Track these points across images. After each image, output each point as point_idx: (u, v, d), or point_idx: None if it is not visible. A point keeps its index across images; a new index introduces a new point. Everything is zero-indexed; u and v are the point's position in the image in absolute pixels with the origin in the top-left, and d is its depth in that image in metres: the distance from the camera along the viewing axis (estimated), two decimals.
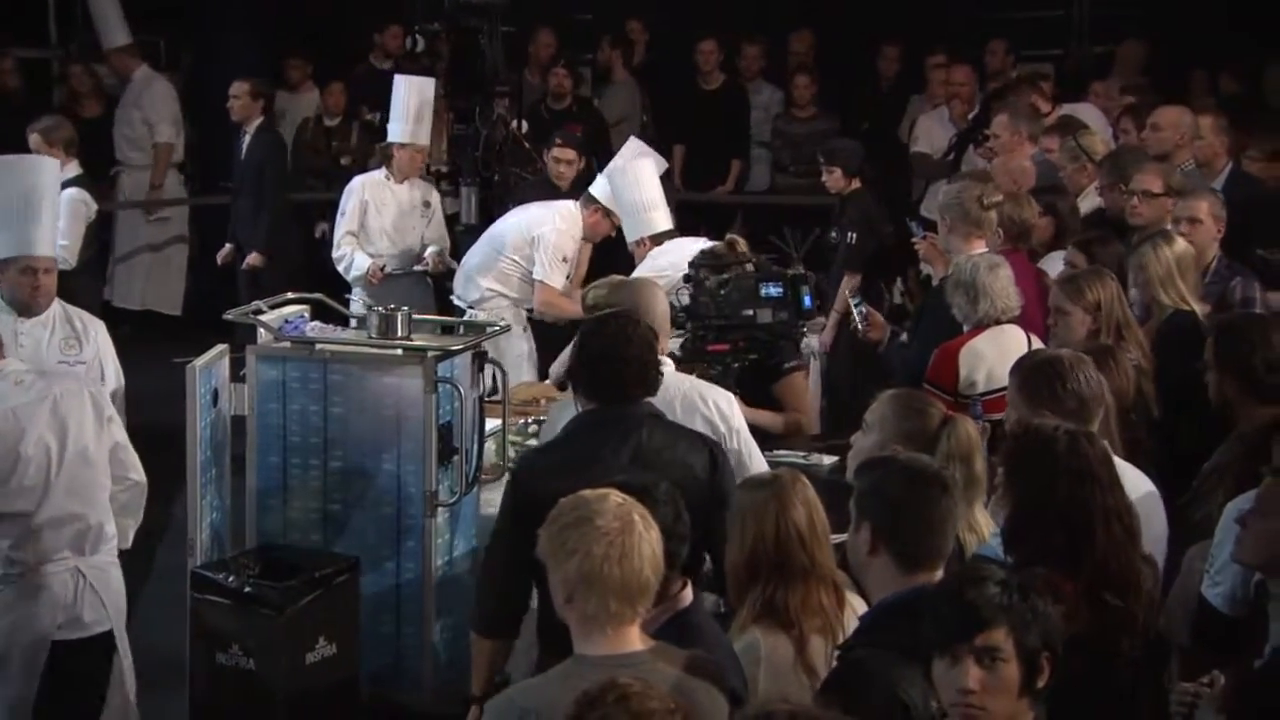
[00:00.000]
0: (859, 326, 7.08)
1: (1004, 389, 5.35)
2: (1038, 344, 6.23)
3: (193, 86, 12.86)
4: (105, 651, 5.54)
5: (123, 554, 5.68)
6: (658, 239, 8.03)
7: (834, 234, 9.22)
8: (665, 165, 9.15)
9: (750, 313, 6.35)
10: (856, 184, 9.26)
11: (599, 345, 4.78)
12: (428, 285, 9.52)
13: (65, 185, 9.38)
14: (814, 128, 11.66)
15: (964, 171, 8.38)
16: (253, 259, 10.69)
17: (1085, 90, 10.29)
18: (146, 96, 11.92)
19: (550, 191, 9.10)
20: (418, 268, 9.37)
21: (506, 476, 6.35)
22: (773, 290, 6.38)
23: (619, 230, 8.51)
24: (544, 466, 4.70)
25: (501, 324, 6.66)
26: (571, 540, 3.64)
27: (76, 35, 13.23)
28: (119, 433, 5.62)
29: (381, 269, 9.16)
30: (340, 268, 9.36)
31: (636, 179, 8.19)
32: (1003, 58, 11.49)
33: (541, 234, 8.46)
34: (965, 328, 6.34)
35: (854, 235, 9.11)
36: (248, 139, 10.78)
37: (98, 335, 6.42)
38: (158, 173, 12.05)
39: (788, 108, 12.08)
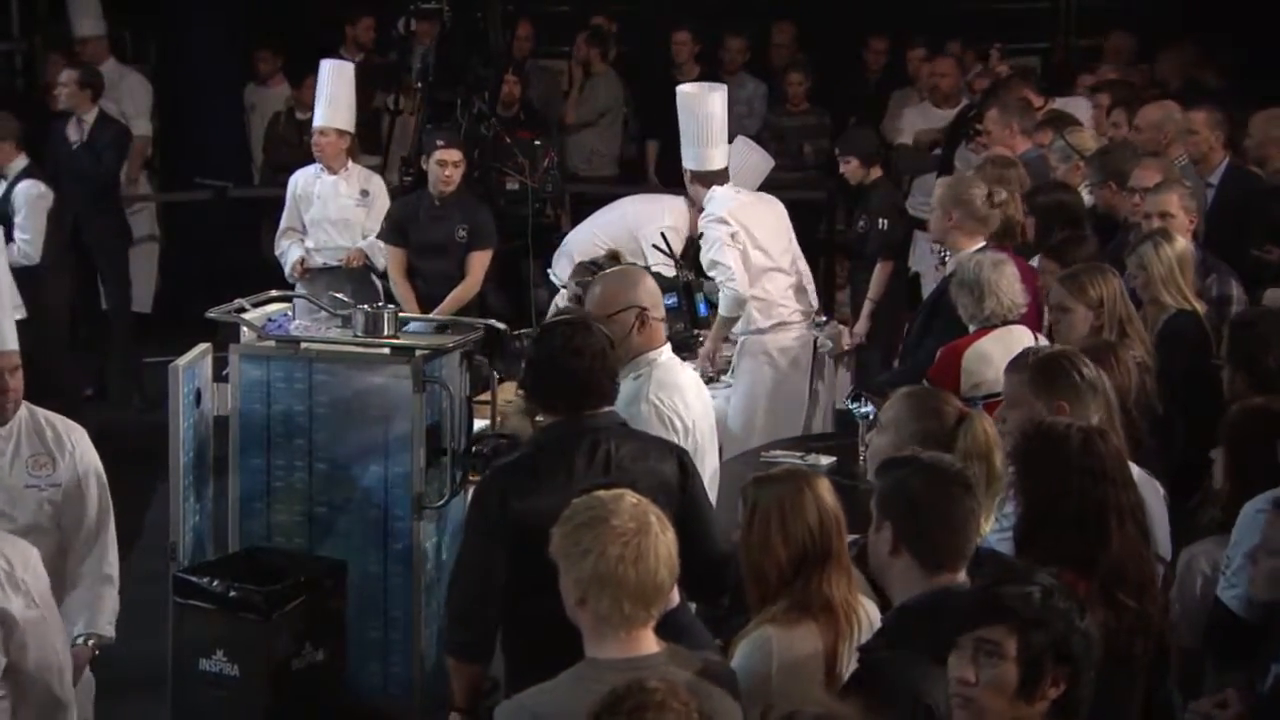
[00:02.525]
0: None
1: None
2: (1045, 341, 6.16)
3: (159, 80, 12.67)
4: None
5: None
6: (709, 178, 7.99)
7: (862, 223, 9.13)
8: (771, 163, 9.12)
9: None
10: (877, 172, 9.26)
11: (546, 355, 4.64)
12: (373, 280, 9.29)
13: (17, 179, 9.29)
14: (804, 122, 11.63)
15: (989, 155, 8.27)
16: None
17: (1073, 84, 10.24)
18: (124, 89, 11.73)
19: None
20: (335, 261, 9.11)
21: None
22: (667, 301, 6.23)
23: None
24: (512, 484, 4.52)
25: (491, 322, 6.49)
26: (586, 540, 3.56)
27: (41, 27, 13.03)
28: (47, 647, 4.16)
29: (302, 262, 8.96)
30: (282, 263, 9.17)
31: (707, 108, 8.07)
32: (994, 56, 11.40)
33: (648, 233, 8.31)
34: (971, 328, 6.24)
35: (885, 222, 9.04)
36: (87, 129, 10.53)
37: (76, 447, 4.99)
38: (134, 166, 11.86)
39: (779, 102, 11.99)
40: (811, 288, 8.27)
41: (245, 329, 6.19)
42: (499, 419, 6.27)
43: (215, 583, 5.58)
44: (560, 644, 3.67)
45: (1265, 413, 4.87)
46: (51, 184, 10.01)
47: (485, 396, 6.28)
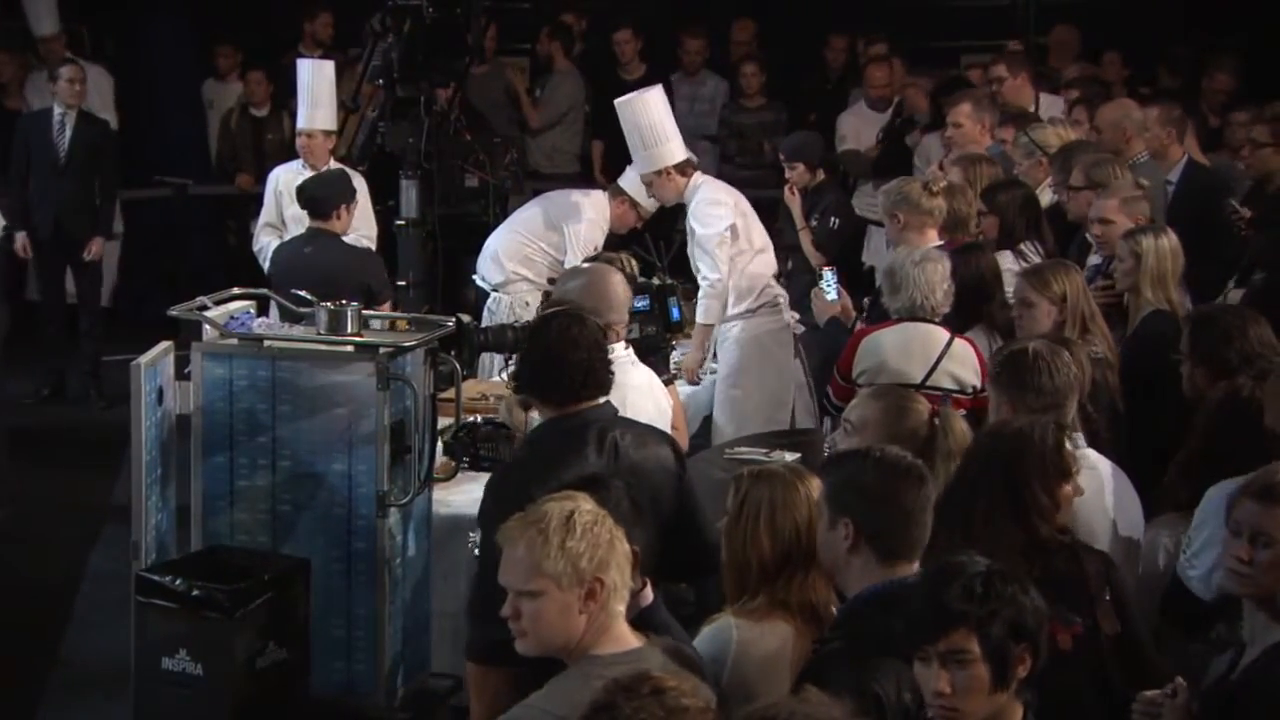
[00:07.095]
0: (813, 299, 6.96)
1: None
2: (961, 345, 6.16)
3: (118, 77, 12.60)
4: None
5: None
6: (682, 169, 7.89)
7: (814, 222, 9.17)
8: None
9: None
10: (822, 175, 9.28)
11: (542, 349, 4.66)
12: None
13: None
14: (761, 118, 11.63)
15: (965, 154, 8.28)
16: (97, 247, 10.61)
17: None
18: (89, 84, 11.66)
19: None
20: None
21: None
22: (639, 304, 6.22)
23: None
24: (525, 478, 4.53)
25: (453, 321, 6.47)
26: (583, 540, 3.60)
27: None
28: None
29: None
30: (260, 259, 9.17)
31: (648, 109, 7.92)
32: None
33: (572, 224, 8.31)
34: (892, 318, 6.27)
35: (836, 220, 9.08)
36: (72, 125, 10.52)
37: None
38: None
39: (735, 97, 11.99)
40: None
41: (207, 327, 6.15)
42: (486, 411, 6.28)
43: (178, 581, 5.52)
44: None
45: (1239, 397, 4.93)
46: (23, 183, 9.97)
47: (449, 394, 6.26)
